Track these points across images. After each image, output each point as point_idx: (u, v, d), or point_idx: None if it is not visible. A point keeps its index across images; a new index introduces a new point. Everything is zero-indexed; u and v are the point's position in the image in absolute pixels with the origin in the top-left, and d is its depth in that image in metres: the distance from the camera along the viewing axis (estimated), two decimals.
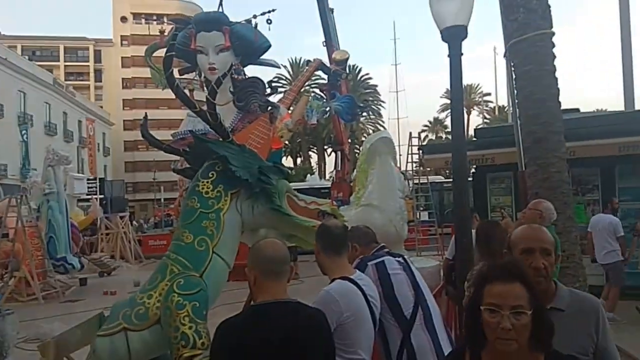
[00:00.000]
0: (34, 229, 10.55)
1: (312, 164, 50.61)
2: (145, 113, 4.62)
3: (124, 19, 56.60)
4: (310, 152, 51.49)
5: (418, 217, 12.97)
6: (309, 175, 30.86)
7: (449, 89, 3.56)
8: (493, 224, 3.52)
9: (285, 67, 48.10)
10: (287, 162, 47.26)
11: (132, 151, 56.28)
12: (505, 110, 48.17)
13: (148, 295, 3.32)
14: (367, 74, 49.21)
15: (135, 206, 50.42)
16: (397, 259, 2.64)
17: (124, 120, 55.92)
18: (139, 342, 3.20)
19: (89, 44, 57.67)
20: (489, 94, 50.33)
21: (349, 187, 14.88)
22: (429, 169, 13.83)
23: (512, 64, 5.32)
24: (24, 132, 25.75)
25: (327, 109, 11.07)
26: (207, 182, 3.55)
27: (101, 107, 53.55)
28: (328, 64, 13.09)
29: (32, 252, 10.09)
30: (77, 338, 3.40)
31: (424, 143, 48.98)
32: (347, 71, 11.81)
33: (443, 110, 56.81)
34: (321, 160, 49.87)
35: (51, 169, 11.24)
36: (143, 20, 55.84)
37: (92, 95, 56.29)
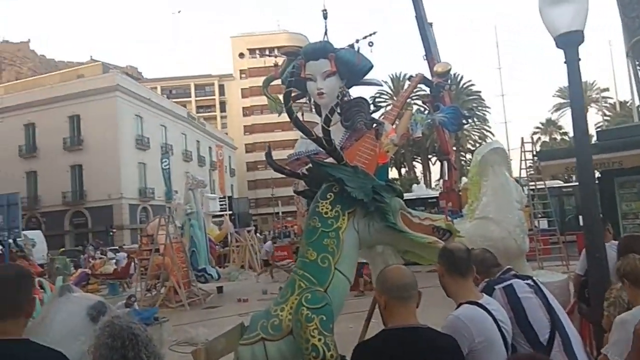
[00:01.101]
0: (179, 244, 11.69)
1: (417, 174, 49.40)
2: (269, 145, 4.90)
3: (241, 55, 61.13)
4: (414, 162, 50.36)
5: (537, 225, 11.82)
6: (414, 185, 30.16)
7: (569, 95, 3.24)
8: (637, 238, 3.08)
9: (386, 82, 47.84)
10: (392, 173, 46.65)
11: (253, 171, 60.08)
12: (629, 104, 42.48)
13: (281, 308, 3.47)
14: (470, 80, 46.88)
15: (258, 220, 53.51)
16: (526, 281, 2.43)
17: (245, 144, 60.07)
18: (276, 352, 3.34)
19: (214, 79, 63.20)
20: (607, 89, 44.80)
21: (458, 196, 14.22)
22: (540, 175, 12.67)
23: (636, 62, 4.69)
24: (165, 160, 28.97)
25: (431, 121, 10.79)
26: (326, 203, 3.64)
27: (226, 133, 58.11)
28: (430, 77, 12.78)
29: (178, 264, 11.16)
30: (222, 345, 3.66)
31: (538, 146, 45.15)
32: (450, 82, 11.41)
33: (556, 110, 51.81)
34: (426, 170, 48.45)
35: (191, 192, 12.45)
36: (257, 54, 59.78)
37: (219, 124, 61.40)
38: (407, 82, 11.54)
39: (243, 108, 61.20)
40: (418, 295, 1.85)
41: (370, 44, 10.44)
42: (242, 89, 60.82)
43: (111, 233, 31.66)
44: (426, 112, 10.65)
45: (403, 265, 1.95)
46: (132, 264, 14.91)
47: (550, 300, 2.32)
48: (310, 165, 3.97)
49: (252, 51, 60.17)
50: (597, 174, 7.50)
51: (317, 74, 10.96)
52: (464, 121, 10.74)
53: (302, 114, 12.36)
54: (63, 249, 26.16)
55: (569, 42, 3.19)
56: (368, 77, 11.62)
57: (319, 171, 3.78)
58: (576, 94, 3.19)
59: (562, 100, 51.55)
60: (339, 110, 11.93)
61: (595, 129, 48.05)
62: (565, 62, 3.24)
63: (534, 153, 11.88)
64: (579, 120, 3.23)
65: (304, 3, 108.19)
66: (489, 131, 45.71)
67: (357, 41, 10.66)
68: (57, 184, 34.34)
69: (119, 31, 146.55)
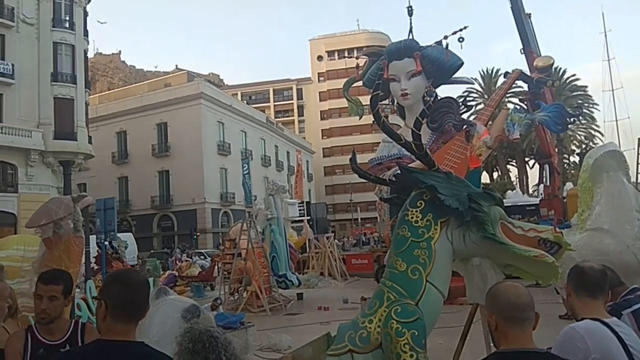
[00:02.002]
0: (261, 249, 12.15)
1: (512, 178, 46.58)
2: (354, 150, 4.94)
3: (319, 58, 62.27)
4: (508, 166, 47.51)
5: None
6: (509, 191, 28.55)
7: None
8: None
9: (476, 79, 45.98)
10: (483, 177, 44.55)
11: (330, 175, 60.77)
12: None
13: (369, 320, 3.46)
14: (574, 74, 43.34)
15: (336, 226, 53.97)
16: None
17: (322, 148, 61.01)
18: None
19: (292, 84, 65.03)
20: None
21: (562, 203, 13.25)
22: None
23: None
24: (245, 165, 30.32)
25: (531, 121, 10.19)
26: (416, 211, 3.57)
27: (304, 138, 59.42)
28: (528, 73, 12.08)
29: (260, 269, 11.61)
30: (309, 354, 3.75)
31: None
32: (551, 77, 10.69)
33: None
34: (522, 174, 45.41)
35: (271, 197, 12.92)
36: (336, 56, 60.53)
37: (296, 128, 62.99)
38: (502, 79, 10.88)
39: (321, 111, 62.22)
40: (536, 317, 1.75)
41: (461, 39, 10.17)
42: (320, 92, 61.90)
43: (195, 236, 33.75)
44: (525, 111, 10.09)
45: (518, 283, 1.85)
46: (216, 267, 15.77)
47: None
48: (398, 171, 3.94)
49: (330, 53, 61.10)
50: None
51: (401, 74, 10.89)
52: (570, 120, 10.00)
53: (386, 117, 12.35)
54: (152, 251, 28.34)
55: None
56: (457, 74, 11.32)
57: (409, 178, 3.72)
58: None
59: None
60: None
61: None
62: None
63: None
64: None
65: (385, 0, 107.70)
66: (597, 131, 42.04)
67: (446, 37, 10.44)
68: (146, 188, 37.34)
69: (202, 40, 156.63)
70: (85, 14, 28.82)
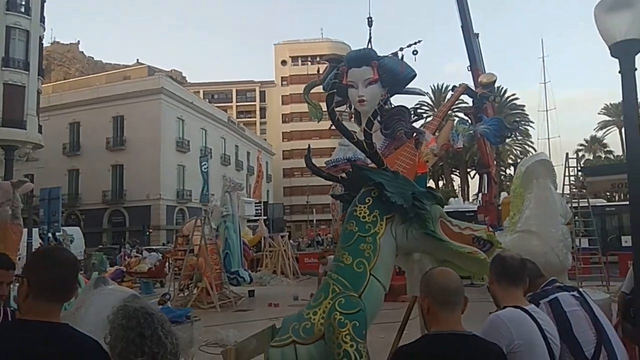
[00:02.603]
0: (214, 246, 11.96)
1: (455, 187, 48.53)
2: (309, 145, 5.01)
3: (283, 63, 62.25)
4: (452, 175, 49.47)
5: (578, 244, 11.50)
6: (452, 198, 29.60)
7: (623, 107, 3.15)
8: None
9: (427, 93, 47.44)
10: (429, 185, 45.78)
11: (289, 177, 60.72)
12: None
13: (313, 311, 3.51)
14: (514, 94, 45.79)
15: (292, 226, 53.88)
16: (571, 293, 2.37)
17: (283, 151, 60.87)
18: (306, 355, 3.36)
19: (255, 86, 64.60)
20: None
21: (497, 210, 13.88)
22: (585, 191, 12.19)
23: None
24: (204, 163, 29.78)
25: (473, 132, 10.62)
26: (364, 207, 3.66)
27: (265, 139, 59.06)
28: (473, 88, 12.60)
29: (212, 266, 11.42)
30: (252, 347, 3.74)
31: (582, 164, 43.32)
32: (494, 94, 11.22)
33: (602, 128, 49.79)
34: (464, 183, 47.51)
35: (228, 194, 12.73)
36: (299, 62, 60.65)
37: (258, 129, 62.57)
38: (450, 93, 11.31)
39: (283, 115, 62.13)
40: (464, 301, 1.82)
41: (415, 52, 10.45)
42: (282, 95, 61.85)
43: (148, 233, 32.73)
44: (469, 123, 10.50)
45: (450, 269, 1.94)
46: (167, 263, 15.35)
47: (596, 313, 2.25)
48: (350, 169, 4.03)
49: (294, 59, 61.19)
50: None
51: (358, 81, 11.04)
52: (507, 134, 10.51)
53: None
54: (100, 246, 27.25)
55: (625, 51, 3.11)
56: (411, 86, 11.62)
57: (359, 175, 3.82)
58: (630, 106, 3.09)
59: (608, 118, 49.59)
60: (379, 118, 11.94)
61: None
62: (619, 72, 3.16)
63: (579, 169, 11.49)
64: (632, 134, 3.12)
65: (348, 12, 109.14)
66: (531, 146, 44.44)
67: (402, 49, 10.69)
68: (98, 182, 35.86)
69: (166, 36, 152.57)
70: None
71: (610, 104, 49.40)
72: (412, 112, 10.09)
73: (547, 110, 39.96)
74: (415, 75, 10.91)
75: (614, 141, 49.75)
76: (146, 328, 1.63)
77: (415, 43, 10.53)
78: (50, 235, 10.46)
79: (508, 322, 1.94)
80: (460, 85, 10.77)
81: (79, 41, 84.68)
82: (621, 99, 3.11)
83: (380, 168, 3.87)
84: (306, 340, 3.42)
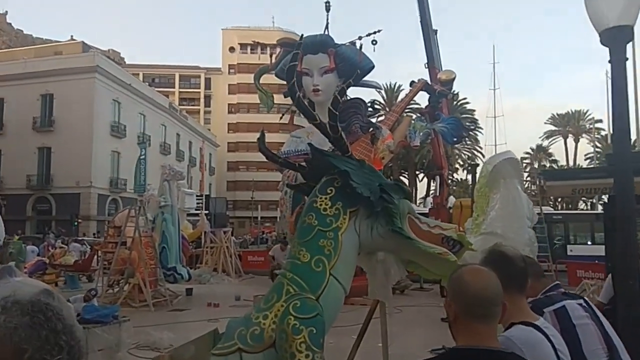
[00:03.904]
0: (149, 239, 11.15)
1: None
2: (262, 130, 4.56)
3: (232, 49, 60.59)
4: (401, 177, 50.43)
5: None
6: None
7: (612, 99, 2.98)
8: None
9: (379, 91, 48.04)
10: None
11: (234, 171, 59.40)
12: None
13: (264, 315, 3.11)
14: (465, 98, 47.21)
15: (235, 223, 52.82)
16: (578, 302, 2.10)
17: (228, 142, 59.37)
18: None
19: (201, 72, 62.48)
20: (600, 121, 45.74)
21: (448, 213, 14.04)
22: (542, 196, 12.58)
23: None
24: (142, 150, 28.20)
25: (431, 130, 10.60)
26: (326, 198, 3.31)
27: (209, 129, 57.34)
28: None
29: (146, 260, 10.63)
30: (190, 354, 3.28)
31: (528, 171, 45.67)
32: (452, 91, 11.27)
33: (547, 137, 52.72)
34: (412, 186, 48.55)
35: (167, 183, 11.94)
36: (248, 50, 59.34)
37: (202, 119, 60.61)
38: (403, 92, 11.19)
39: (229, 105, 60.56)
40: (503, 308, 1.47)
41: (374, 42, 10.26)
42: (229, 84, 60.21)
43: (76, 223, 30.65)
44: (425, 120, 10.46)
45: (484, 268, 1.56)
46: (95, 256, 14.26)
47: (607, 328, 2.00)
48: (310, 154, 3.64)
49: (243, 46, 59.68)
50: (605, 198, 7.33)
51: (314, 69, 10.70)
52: (464, 134, 10.58)
53: (293, 114, 12.04)
54: (22, 235, 25.14)
55: (616, 38, 2.95)
56: (367, 78, 11.42)
57: (321, 161, 3.44)
58: (620, 97, 2.93)
59: (554, 128, 52.56)
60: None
61: (585, 159, 49.22)
62: (609, 61, 2.99)
63: (539, 172, 11.82)
64: (621, 131, 2.95)
65: (301, 2, 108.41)
66: (480, 152, 46.15)
67: (360, 38, 10.46)
68: (22, 165, 33.20)
69: (104, 13, 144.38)
70: None
71: (557, 114, 52.35)
72: (370, 106, 9.88)
73: (495, 117, 41.65)
74: (373, 67, 10.74)
75: (559, 151, 52.78)
76: (56, 321, 1.26)
77: (374, 32, 10.34)
78: None
79: (522, 346, 1.60)
80: (419, 80, 10.71)
81: (6, 12, 78.18)
82: (610, 89, 2.94)
83: (344, 155, 3.51)
84: (254, 349, 3.03)
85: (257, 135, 4.09)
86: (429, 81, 12.98)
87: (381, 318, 3.75)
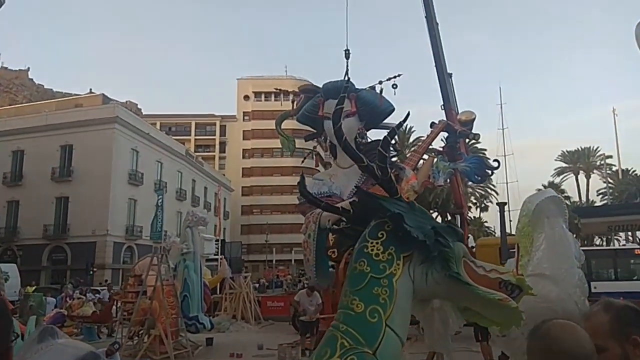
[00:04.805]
0: (171, 287, 10.90)
1: None
2: (302, 173, 4.50)
3: (246, 97, 62.11)
4: None
5: None
6: None
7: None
8: None
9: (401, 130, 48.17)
10: None
11: (247, 215, 59.37)
12: (631, 172, 42.80)
13: None
14: (474, 138, 47.33)
15: (249, 266, 52.22)
16: None
17: (242, 187, 59.74)
18: None
19: (216, 120, 63.82)
20: (610, 157, 45.31)
21: (472, 253, 13.65)
22: (575, 234, 12.18)
23: None
24: (160, 196, 28.32)
25: (453, 170, 10.45)
26: (377, 243, 3.14)
27: (224, 174, 57.86)
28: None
29: (167, 310, 10.33)
30: None
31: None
32: (472, 132, 11.18)
33: (559, 174, 52.14)
34: None
35: (189, 229, 11.81)
36: (263, 98, 60.75)
37: (217, 164, 61.33)
38: (414, 135, 11.05)
39: (243, 150, 61.39)
40: None
41: (394, 86, 10.30)
42: (244, 130, 61.32)
43: (91, 272, 30.44)
44: (447, 160, 10.34)
45: (574, 323, 1.39)
46: (114, 306, 13.98)
47: None
48: (356, 197, 3.50)
49: (257, 94, 61.23)
50: None
51: None
52: (488, 172, 10.39)
53: (317, 156, 11.99)
54: (37, 285, 24.98)
55: None
56: (387, 120, 11.44)
57: (370, 204, 3.30)
58: None
59: (565, 165, 52.11)
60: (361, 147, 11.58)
61: (597, 194, 48.46)
62: None
63: (572, 210, 11.50)
64: None
65: (312, 51, 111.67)
66: (493, 189, 45.60)
67: (381, 82, 10.53)
68: (39, 215, 33.46)
69: (120, 66, 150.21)
70: None
71: (567, 151, 51.98)
72: (392, 148, 9.83)
73: (505, 156, 41.49)
74: (394, 109, 10.75)
75: (571, 188, 52.03)
76: None
77: (395, 77, 10.42)
78: None
79: None
80: (439, 121, 10.66)
81: (28, 68, 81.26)
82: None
83: (393, 197, 3.37)
84: None
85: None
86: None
87: None
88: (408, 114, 4.11)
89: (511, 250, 9.73)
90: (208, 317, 12.03)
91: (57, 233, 33.71)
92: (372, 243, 3.15)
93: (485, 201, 45.41)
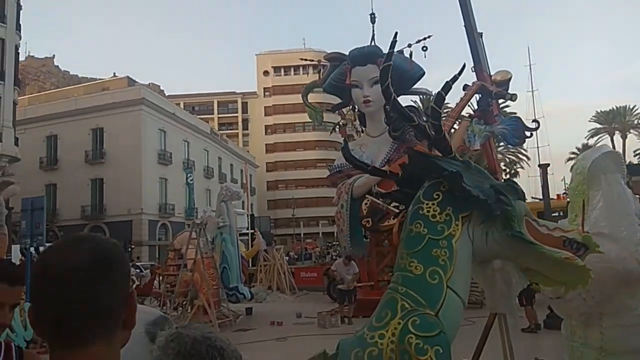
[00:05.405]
0: (210, 259, 11.09)
1: None
2: (345, 139, 4.39)
3: (266, 73, 61.60)
4: None
5: None
6: None
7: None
8: None
9: (415, 102, 47.38)
10: None
11: (273, 190, 59.81)
12: None
13: (379, 334, 2.81)
14: (504, 102, 45.78)
15: (277, 240, 52.87)
16: None
17: (266, 163, 60.01)
18: None
19: (237, 97, 63.76)
20: None
21: None
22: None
23: None
24: (190, 175, 28.72)
25: (489, 133, 10.13)
26: (433, 204, 3.02)
27: (248, 151, 58.17)
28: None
29: (209, 281, 10.54)
30: None
31: None
32: (509, 92, 10.74)
33: (593, 136, 50.26)
34: None
35: (224, 204, 11.90)
36: (282, 72, 60.21)
37: (240, 141, 61.60)
38: (464, 92, 10.66)
39: (265, 126, 61.36)
40: None
41: (424, 48, 9.98)
42: (265, 106, 61.11)
43: (129, 249, 31.39)
44: (483, 123, 10.02)
45: None
46: (155, 280, 14.37)
47: None
48: (408, 158, 3.35)
49: (277, 69, 60.67)
50: None
51: (363, 80, 10.50)
52: (528, 134, 10.03)
53: (344, 126, 11.80)
54: None
55: None
56: (417, 85, 11.12)
57: (424, 164, 3.14)
58: None
59: (599, 126, 50.18)
60: (385, 120, 11.32)
61: (634, 155, 46.57)
62: None
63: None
64: None
65: (330, 21, 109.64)
66: (524, 154, 44.36)
67: (410, 45, 10.22)
68: (76, 197, 34.42)
69: (142, 48, 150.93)
70: (19, 7, 26.35)
71: (601, 111, 50.00)
72: (424, 112, 9.58)
73: (535, 119, 40.04)
74: (424, 73, 10.46)
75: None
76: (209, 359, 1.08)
77: (424, 39, 10.08)
78: (33, 249, 9.37)
79: None
80: (473, 83, 10.30)
81: (54, 55, 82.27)
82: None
83: (447, 156, 3.21)
84: None
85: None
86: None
87: (501, 334, 3.37)
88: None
89: (552, 215, 9.43)
90: (247, 287, 12.24)
91: (95, 213, 34.72)
92: (427, 204, 3.03)
93: (515, 167, 44.20)
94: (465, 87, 10.42)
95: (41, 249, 9.81)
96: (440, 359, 2.59)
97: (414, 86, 10.87)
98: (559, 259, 2.97)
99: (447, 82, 3.17)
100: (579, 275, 3.03)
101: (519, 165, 43.18)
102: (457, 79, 3.24)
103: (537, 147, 42.37)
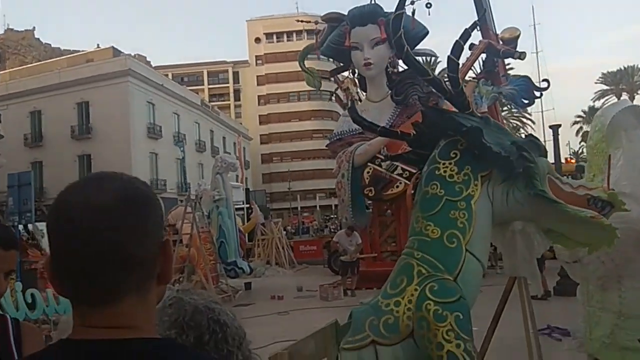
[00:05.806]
0: (207, 234, 11.04)
1: None
2: (352, 101, 4.22)
3: (257, 40, 60.33)
4: None
5: None
6: None
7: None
8: None
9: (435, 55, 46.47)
10: None
11: (267, 163, 59.53)
12: None
13: (395, 302, 2.75)
14: (508, 63, 45.14)
15: (273, 214, 53.03)
16: None
17: (260, 135, 59.47)
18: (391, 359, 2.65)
19: (228, 66, 62.62)
20: None
21: None
22: None
23: None
24: (181, 149, 28.44)
25: (498, 94, 9.96)
26: (450, 163, 2.91)
27: (241, 123, 57.58)
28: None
29: (206, 256, 10.52)
30: (311, 350, 2.95)
31: (580, 136, 43.42)
32: (517, 50, 10.48)
33: (599, 98, 49.91)
34: None
35: (219, 176, 11.76)
36: (275, 39, 59.03)
37: (232, 113, 60.87)
38: (440, 65, 10.43)
39: (259, 96, 60.49)
40: None
41: (429, 5, 9.64)
42: (257, 76, 60.08)
43: None
44: (491, 84, 9.82)
45: None
46: None
47: None
48: (422, 116, 3.20)
49: (269, 35, 59.41)
50: None
51: (364, 41, 10.22)
52: (537, 94, 9.85)
53: (346, 90, 11.52)
54: None
55: None
56: (420, 46, 10.85)
57: (441, 122, 3.01)
58: None
59: (606, 87, 49.83)
60: (387, 83, 11.09)
61: None
62: None
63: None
64: None
65: None
66: (529, 119, 44.12)
67: (412, 2, 9.86)
68: (64, 174, 33.94)
69: (125, 17, 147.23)
70: None
71: (608, 72, 49.54)
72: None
73: (540, 81, 39.60)
74: (428, 32, 10.17)
75: None
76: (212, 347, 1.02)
77: None
78: (21, 227, 9.24)
79: None
80: (480, 42, 10.05)
81: (34, 27, 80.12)
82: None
83: (465, 112, 3.07)
84: (390, 340, 2.69)
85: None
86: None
87: (521, 298, 3.32)
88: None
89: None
90: (246, 262, 12.25)
91: None
92: (444, 164, 2.92)
93: (519, 132, 44.08)
94: (472, 46, 10.16)
95: (30, 226, 9.72)
96: (460, 326, 2.53)
97: (417, 47, 10.59)
98: (584, 218, 2.89)
99: (465, 28, 2.99)
100: (604, 235, 2.95)
101: (523, 130, 43.02)
102: (476, 26, 3.06)
103: (542, 111, 42.18)
